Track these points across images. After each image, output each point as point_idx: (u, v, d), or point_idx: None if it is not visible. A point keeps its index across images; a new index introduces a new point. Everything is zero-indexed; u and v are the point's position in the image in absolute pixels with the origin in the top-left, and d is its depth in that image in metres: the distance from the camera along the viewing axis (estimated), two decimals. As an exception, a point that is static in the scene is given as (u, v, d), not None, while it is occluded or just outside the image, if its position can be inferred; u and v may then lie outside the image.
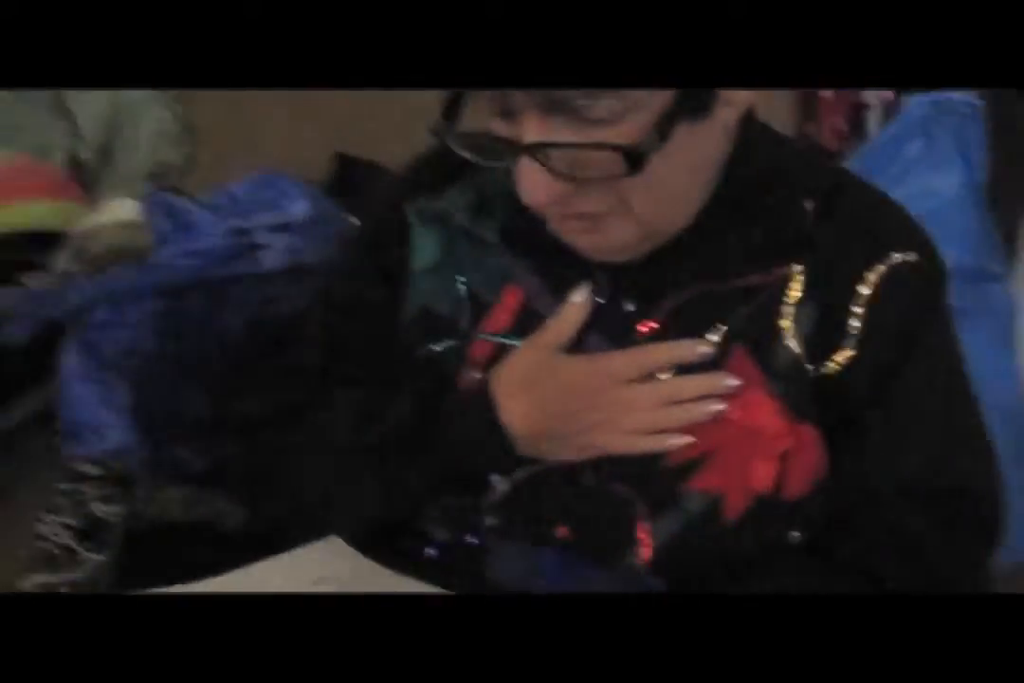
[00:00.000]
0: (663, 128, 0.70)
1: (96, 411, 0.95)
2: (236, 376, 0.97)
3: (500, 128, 0.74)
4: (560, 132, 0.71)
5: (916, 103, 1.59)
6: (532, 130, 0.71)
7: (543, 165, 0.72)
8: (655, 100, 0.70)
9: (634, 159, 0.70)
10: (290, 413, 0.90)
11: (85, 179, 1.77)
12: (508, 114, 0.73)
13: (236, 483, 0.91)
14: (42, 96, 1.92)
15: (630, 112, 0.70)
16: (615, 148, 0.70)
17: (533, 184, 0.73)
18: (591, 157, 0.71)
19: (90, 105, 1.95)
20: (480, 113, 0.77)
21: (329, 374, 0.91)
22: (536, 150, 0.71)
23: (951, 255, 1.81)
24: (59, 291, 0.98)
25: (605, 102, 0.69)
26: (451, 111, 0.77)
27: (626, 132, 0.70)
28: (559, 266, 0.84)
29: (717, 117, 0.75)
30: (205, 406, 1.00)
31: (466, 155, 0.76)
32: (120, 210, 1.19)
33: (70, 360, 0.95)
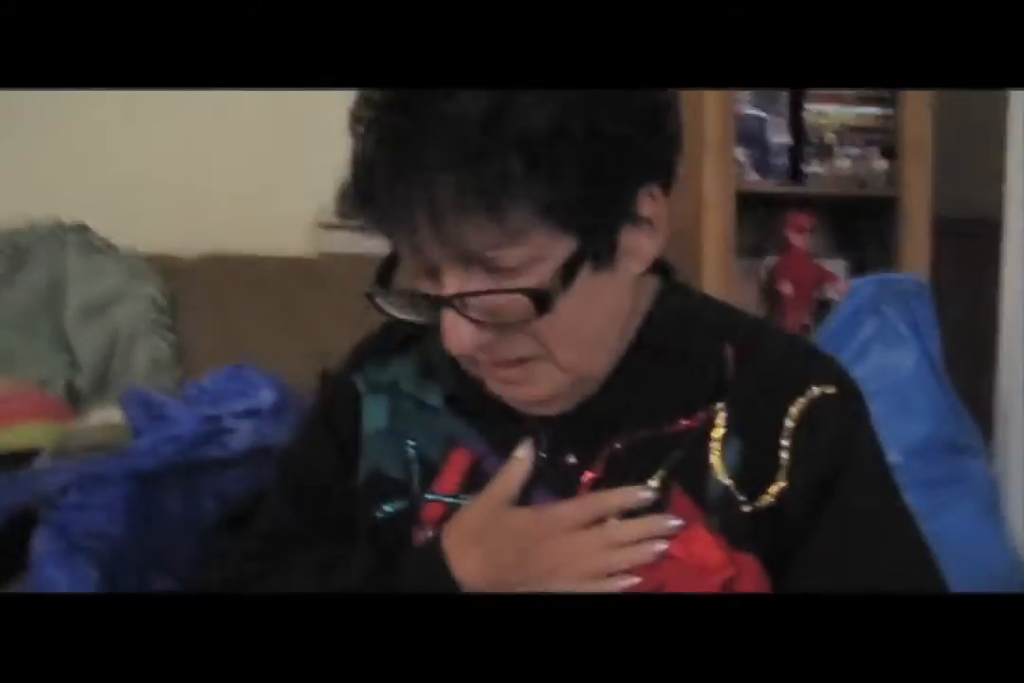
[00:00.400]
0: (566, 273, 0.77)
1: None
2: (203, 555, 0.99)
3: (425, 287, 0.81)
4: (476, 283, 0.78)
5: (864, 283, 1.67)
6: (451, 283, 0.78)
7: (463, 315, 0.78)
8: (559, 251, 0.77)
9: (541, 301, 0.77)
10: (254, 580, 0.92)
11: (80, 403, 1.85)
12: (431, 273, 0.80)
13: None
14: (45, 329, 2.03)
15: (536, 262, 0.77)
16: (522, 291, 0.76)
17: (456, 333, 0.79)
18: (505, 304, 0.78)
19: (89, 338, 2.06)
20: (409, 276, 0.85)
21: (289, 540, 0.93)
22: (455, 300, 0.78)
23: (919, 429, 1.84)
24: (34, 475, 1.02)
25: (513, 252, 0.76)
26: (383, 276, 0.84)
27: (534, 279, 0.77)
28: (502, 426, 0.89)
29: (622, 267, 0.82)
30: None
31: (397, 314, 0.83)
32: (105, 415, 1.26)
33: (42, 543, 0.98)
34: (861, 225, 2.29)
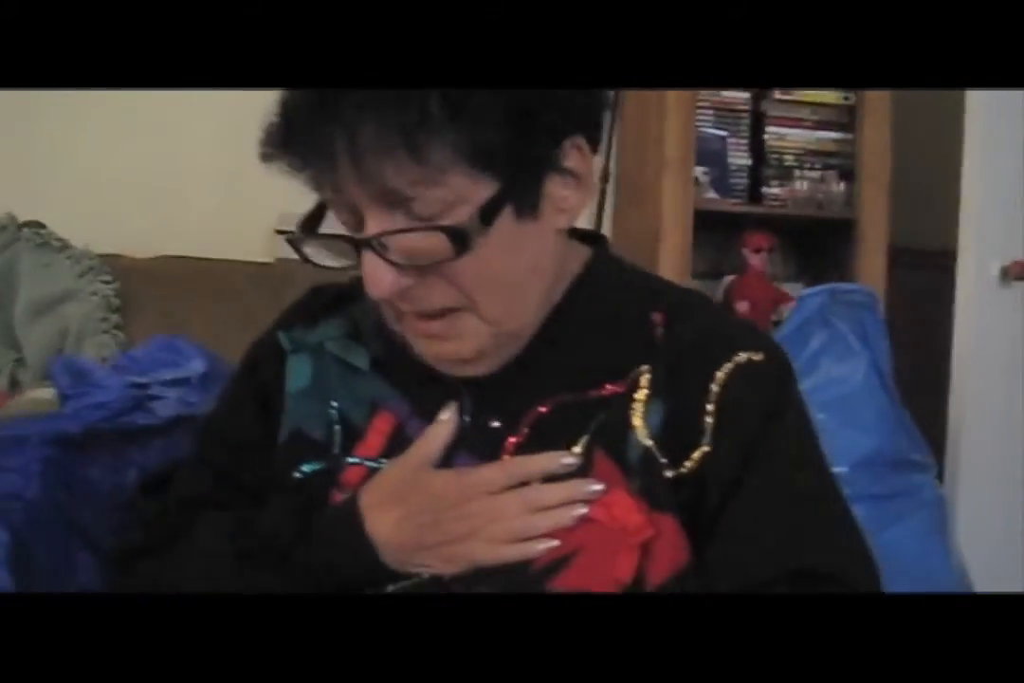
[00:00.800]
0: (484, 214, 0.77)
1: (-29, 553, 0.94)
2: (120, 520, 0.97)
3: (350, 232, 0.81)
4: (398, 225, 0.77)
5: (813, 293, 1.68)
6: (372, 225, 0.78)
7: (382, 257, 0.77)
8: (480, 194, 0.77)
9: (458, 239, 0.76)
10: (167, 542, 0.90)
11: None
12: (353, 218, 0.79)
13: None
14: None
15: (457, 204, 0.77)
16: (440, 228, 0.76)
17: (374, 276, 0.78)
18: (424, 245, 0.77)
19: (37, 334, 2.03)
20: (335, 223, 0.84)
21: (205, 504, 0.91)
22: (374, 241, 0.77)
23: (867, 443, 1.84)
24: (-52, 434, 0.99)
25: (434, 192, 0.76)
26: (308, 224, 0.84)
27: (454, 221, 0.77)
28: (426, 390, 0.88)
29: (546, 218, 0.82)
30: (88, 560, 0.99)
31: (317, 260, 0.82)
32: (38, 393, 1.23)
33: (-49, 502, 0.95)
34: (818, 249, 2.31)
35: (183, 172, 2.26)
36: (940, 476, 1.89)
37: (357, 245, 0.78)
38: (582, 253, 0.90)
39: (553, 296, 0.86)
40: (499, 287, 0.81)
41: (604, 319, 0.87)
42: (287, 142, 0.78)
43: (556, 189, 0.81)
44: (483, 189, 0.77)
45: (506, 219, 0.78)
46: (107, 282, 2.08)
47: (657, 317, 0.87)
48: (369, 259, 0.78)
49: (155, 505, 0.94)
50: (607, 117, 0.85)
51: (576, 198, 0.83)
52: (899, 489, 1.71)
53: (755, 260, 2.21)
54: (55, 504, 1.00)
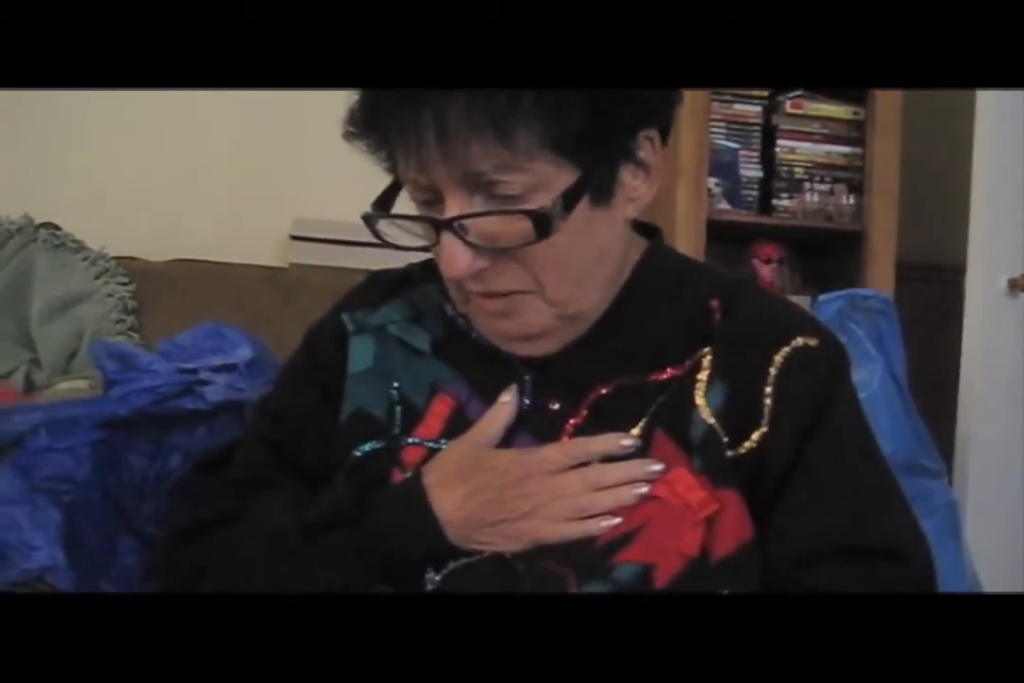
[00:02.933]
0: (567, 201, 0.78)
1: (24, 532, 0.94)
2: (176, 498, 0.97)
3: (425, 212, 0.82)
4: (477, 208, 0.78)
5: (831, 299, 1.70)
6: (453, 206, 0.79)
7: (461, 238, 0.79)
8: (560, 181, 0.79)
9: (541, 223, 0.78)
10: (231, 519, 0.90)
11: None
12: (432, 199, 0.81)
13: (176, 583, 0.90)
14: (9, 325, 2.01)
15: (537, 190, 0.78)
16: (524, 212, 0.77)
17: (452, 257, 0.80)
18: (504, 229, 0.78)
19: (53, 335, 2.03)
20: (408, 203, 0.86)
21: (264, 480, 0.92)
22: (455, 223, 0.78)
23: (882, 447, 1.85)
24: (3, 413, 1.00)
25: (517, 177, 0.77)
26: (384, 201, 0.85)
27: (535, 206, 0.78)
28: (487, 371, 0.89)
29: (617, 206, 0.83)
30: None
31: (392, 240, 0.83)
32: (71, 383, 1.23)
33: (2, 482, 0.95)
34: (827, 260, 2.34)
35: (198, 176, 2.28)
36: (949, 484, 1.91)
37: (438, 226, 0.80)
38: (640, 243, 0.92)
39: (616, 281, 0.88)
40: (568, 272, 0.82)
41: (664, 305, 0.89)
42: (373, 121, 0.79)
43: (628, 179, 0.83)
44: (564, 176, 0.78)
45: (582, 206, 0.80)
46: (123, 284, 2.08)
47: (715, 303, 0.89)
48: (448, 240, 0.79)
49: (214, 483, 0.95)
50: (678, 112, 0.87)
51: (646, 188, 0.85)
52: (912, 494, 1.71)
53: (765, 271, 2.23)
54: (103, 487, 1.00)
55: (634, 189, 0.85)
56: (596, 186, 0.81)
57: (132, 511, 1.04)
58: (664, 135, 0.86)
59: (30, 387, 1.89)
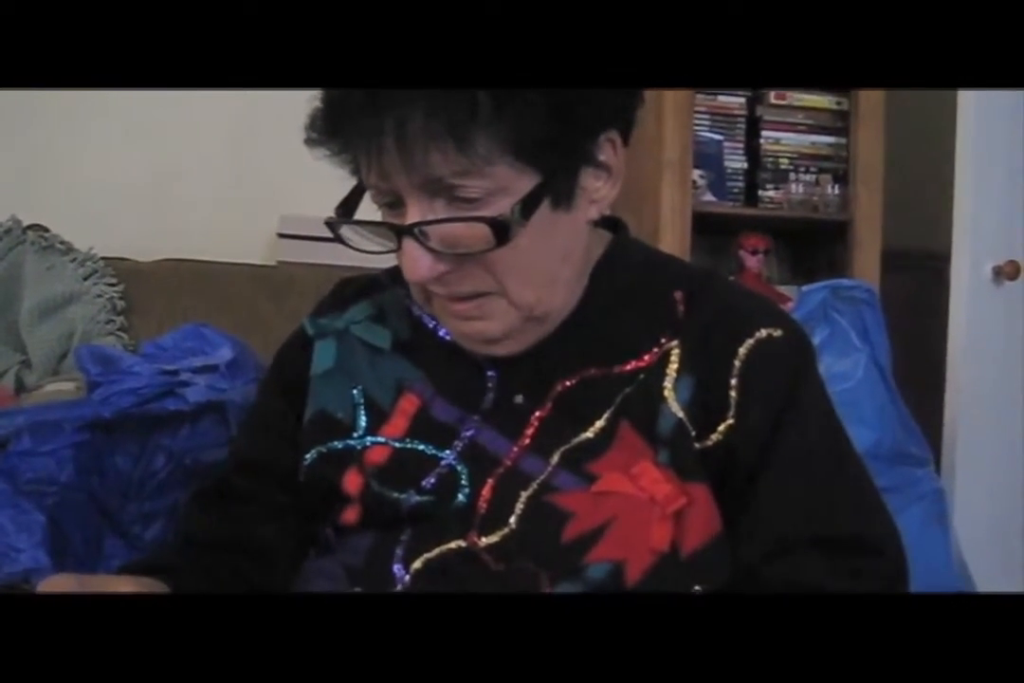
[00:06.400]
0: (526, 206, 0.79)
1: (8, 535, 0.95)
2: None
3: (388, 217, 0.83)
4: (438, 213, 0.79)
5: (814, 289, 1.70)
6: (414, 212, 0.80)
7: (422, 244, 0.80)
8: (520, 185, 0.79)
9: (500, 230, 0.78)
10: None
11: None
12: (393, 205, 0.82)
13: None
14: (1, 331, 2.01)
15: (498, 195, 0.79)
16: (483, 219, 0.78)
17: (413, 263, 0.81)
18: (464, 234, 0.79)
19: (42, 336, 2.04)
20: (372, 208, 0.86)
21: (230, 490, 0.94)
22: (416, 229, 0.79)
23: (868, 436, 1.86)
24: (-14, 417, 1.01)
25: (477, 182, 0.78)
26: (347, 207, 0.86)
27: (495, 211, 0.79)
28: (451, 370, 0.89)
29: (579, 209, 0.84)
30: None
31: (355, 244, 0.84)
32: (57, 385, 1.24)
33: (-13, 485, 0.96)
34: (813, 250, 2.34)
35: (186, 176, 2.28)
36: (936, 472, 1.91)
37: (398, 232, 0.80)
38: (604, 238, 0.93)
39: (581, 281, 0.89)
40: (531, 275, 0.83)
41: (627, 299, 0.90)
42: (335, 129, 0.80)
43: (590, 181, 0.84)
44: (525, 180, 0.79)
45: (543, 210, 0.81)
46: (112, 284, 2.09)
47: (679, 295, 0.89)
48: (409, 246, 0.80)
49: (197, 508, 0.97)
50: (640, 113, 0.87)
51: (608, 190, 0.86)
52: (899, 482, 1.73)
53: (751, 261, 2.24)
54: (87, 489, 1.01)
55: (596, 191, 0.85)
56: (556, 191, 0.81)
57: (117, 512, 1.05)
58: (625, 136, 0.87)
59: (20, 388, 1.90)
